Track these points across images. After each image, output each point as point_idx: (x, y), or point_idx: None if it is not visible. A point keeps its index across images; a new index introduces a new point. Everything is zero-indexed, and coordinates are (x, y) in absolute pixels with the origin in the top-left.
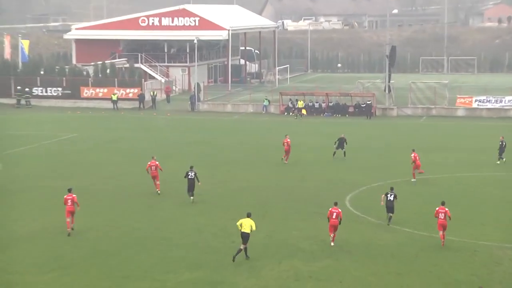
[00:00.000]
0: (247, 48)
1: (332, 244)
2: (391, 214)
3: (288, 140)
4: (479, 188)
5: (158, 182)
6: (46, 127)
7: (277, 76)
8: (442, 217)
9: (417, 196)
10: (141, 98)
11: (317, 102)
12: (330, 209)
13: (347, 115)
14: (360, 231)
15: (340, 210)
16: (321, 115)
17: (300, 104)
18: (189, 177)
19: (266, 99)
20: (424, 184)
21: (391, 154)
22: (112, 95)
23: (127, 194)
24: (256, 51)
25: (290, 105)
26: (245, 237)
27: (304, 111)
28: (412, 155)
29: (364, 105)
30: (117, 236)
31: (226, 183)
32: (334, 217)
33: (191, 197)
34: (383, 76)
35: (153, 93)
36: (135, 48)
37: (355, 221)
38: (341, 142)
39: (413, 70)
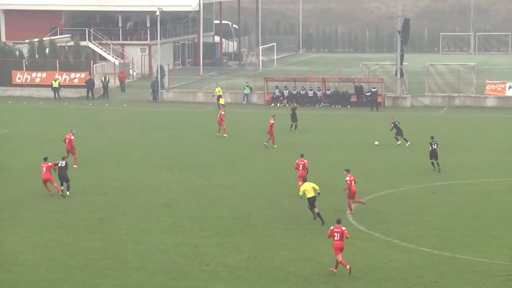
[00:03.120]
0: (223, 22)
1: (334, 270)
2: (438, 161)
3: (272, 121)
4: None
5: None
6: None
7: (261, 57)
8: (337, 238)
9: (437, 208)
10: (89, 85)
11: (311, 90)
12: (331, 227)
13: (348, 106)
14: (366, 250)
15: (344, 228)
16: (316, 105)
17: (218, 91)
18: (60, 165)
19: (247, 86)
20: (445, 192)
21: (402, 154)
22: (53, 81)
23: (71, 206)
24: (234, 25)
25: (278, 93)
26: (312, 202)
27: (222, 101)
28: (348, 178)
29: (369, 93)
30: (62, 259)
31: (198, 191)
32: (337, 238)
33: (66, 191)
34: (393, 57)
35: (105, 78)
36: (81, 22)
37: (359, 239)
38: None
39: (432, 50)
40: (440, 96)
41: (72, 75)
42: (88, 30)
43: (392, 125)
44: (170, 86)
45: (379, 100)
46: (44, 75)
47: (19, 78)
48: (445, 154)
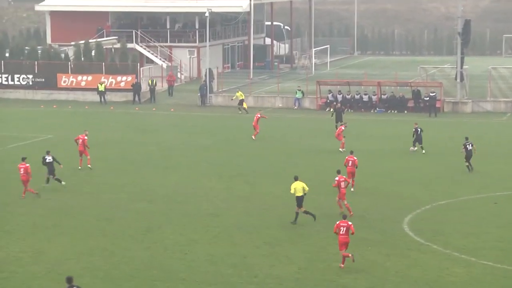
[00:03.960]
0: (275, 23)
1: (342, 266)
2: (470, 163)
3: (259, 116)
4: None
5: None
6: (11, 126)
7: (313, 60)
8: (342, 232)
9: (499, 218)
10: (136, 88)
11: (366, 94)
12: (337, 222)
13: (405, 111)
14: (423, 263)
15: (350, 223)
16: (372, 111)
17: (240, 95)
18: (47, 161)
19: (299, 90)
20: (508, 202)
21: (462, 163)
22: (99, 85)
23: (116, 214)
24: (286, 27)
25: (331, 98)
26: (300, 201)
27: (245, 105)
28: (337, 178)
29: (428, 97)
30: (107, 269)
31: (247, 199)
32: (343, 232)
33: (60, 182)
34: (453, 60)
35: (152, 82)
36: (128, 23)
37: (415, 250)
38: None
39: (494, 52)
40: (503, 101)
41: (119, 78)
42: (135, 32)
43: (414, 130)
44: (219, 90)
45: (438, 105)
46: (89, 78)
47: (64, 82)
48: (509, 162)
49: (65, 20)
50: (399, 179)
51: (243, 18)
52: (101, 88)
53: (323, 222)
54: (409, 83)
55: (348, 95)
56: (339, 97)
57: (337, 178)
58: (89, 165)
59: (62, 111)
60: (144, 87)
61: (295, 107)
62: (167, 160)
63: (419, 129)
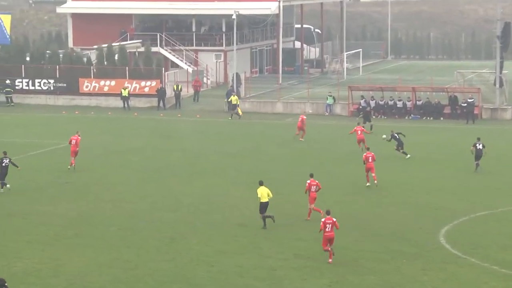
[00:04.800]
0: (305, 26)
1: (330, 261)
2: (478, 162)
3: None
4: None
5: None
6: (33, 132)
7: (345, 65)
8: (328, 229)
9: None
10: (160, 94)
11: (400, 100)
12: (323, 219)
13: (441, 118)
14: (460, 277)
15: (335, 219)
16: (406, 117)
17: (235, 100)
18: (3, 164)
19: (330, 96)
20: None
21: (502, 172)
22: (122, 90)
23: (139, 224)
24: (316, 30)
25: (363, 104)
26: (264, 207)
27: (239, 111)
28: (308, 181)
29: (465, 104)
30: (130, 281)
31: (278, 208)
32: (329, 229)
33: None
34: (492, 65)
35: (177, 87)
36: (152, 26)
37: (452, 263)
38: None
39: None
40: None
41: (143, 83)
42: (160, 35)
43: (391, 136)
44: (246, 95)
45: (476, 111)
46: (113, 83)
47: (86, 87)
48: None
49: (87, 23)
50: (433, 189)
51: (272, 20)
52: (125, 93)
53: (355, 234)
54: (445, 88)
55: (381, 101)
56: (372, 103)
57: (308, 181)
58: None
59: (84, 117)
60: (169, 92)
61: (326, 114)
62: (192, 168)
63: (396, 135)
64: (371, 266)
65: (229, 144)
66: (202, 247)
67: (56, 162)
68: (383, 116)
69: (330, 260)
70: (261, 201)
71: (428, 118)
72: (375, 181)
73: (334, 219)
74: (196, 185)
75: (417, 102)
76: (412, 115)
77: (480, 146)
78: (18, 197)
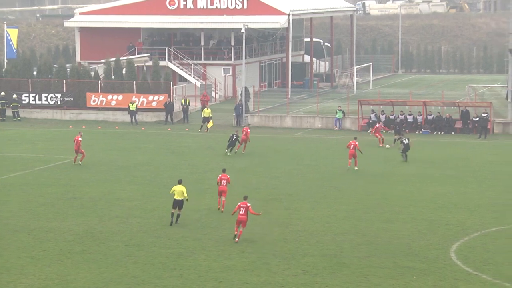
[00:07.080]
0: (314, 40)
1: (237, 240)
2: (406, 154)
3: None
4: None
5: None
6: (39, 147)
7: (355, 79)
8: (241, 212)
9: None
10: (168, 108)
11: (410, 115)
12: (238, 203)
13: (452, 133)
14: None
15: (249, 204)
16: (417, 132)
17: (208, 113)
18: None
19: (339, 110)
20: None
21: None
22: (130, 104)
23: (146, 239)
24: (326, 44)
25: (373, 118)
26: (178, 204)
27: (211, 123)
28: (220, 175)
29: (478, 118)
30: None
31: (285, 225)
32: (242, 212)
33: None
34: (504, 79)
35: (185, 101)
36: (160, 40)
37: (463, 280)
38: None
39: None
40: None
41: (150, 97)
42: (168, 49)
43: (400, 141)
44: (255, 109)
45: (488, 126)
46: (120, 97)
47: (93, 101)
48: None
49: (95, 37)
50: (444, 205)
51: (281, 34)
52: (132, 107)
53: (363, 249)
54: (457, 103)
55: (391, 115)
56: (382, 118)
57: (220, 176)
58: (80, 162)
59: (91, 131)
60: (177, 106)
61: (336, 128)
62: (200, 183)
63: (404, 141)
64: (380, 282)
65: (237, 159)
66: (210, 263)
67: (63, 177)
68: (392, 131)
69: (237, 239)
70: (174, 198)
71: (439, 132)
72: (356, 167)
73: (249, 204)
74: (203, 201)
75: (428, 116)
76: (423, 129)
77: (406, 141)
78: (24, 213)
